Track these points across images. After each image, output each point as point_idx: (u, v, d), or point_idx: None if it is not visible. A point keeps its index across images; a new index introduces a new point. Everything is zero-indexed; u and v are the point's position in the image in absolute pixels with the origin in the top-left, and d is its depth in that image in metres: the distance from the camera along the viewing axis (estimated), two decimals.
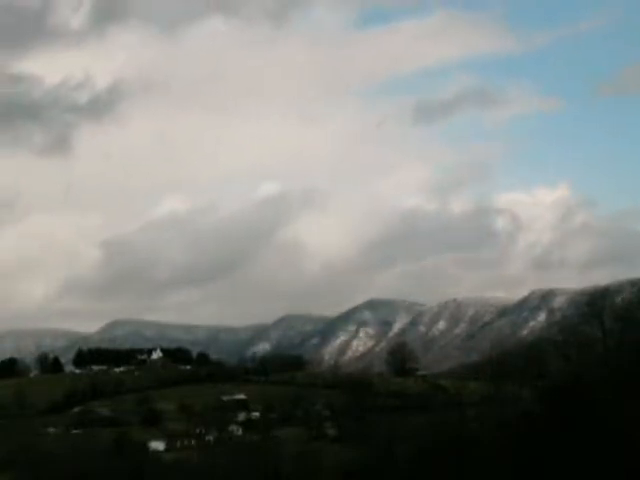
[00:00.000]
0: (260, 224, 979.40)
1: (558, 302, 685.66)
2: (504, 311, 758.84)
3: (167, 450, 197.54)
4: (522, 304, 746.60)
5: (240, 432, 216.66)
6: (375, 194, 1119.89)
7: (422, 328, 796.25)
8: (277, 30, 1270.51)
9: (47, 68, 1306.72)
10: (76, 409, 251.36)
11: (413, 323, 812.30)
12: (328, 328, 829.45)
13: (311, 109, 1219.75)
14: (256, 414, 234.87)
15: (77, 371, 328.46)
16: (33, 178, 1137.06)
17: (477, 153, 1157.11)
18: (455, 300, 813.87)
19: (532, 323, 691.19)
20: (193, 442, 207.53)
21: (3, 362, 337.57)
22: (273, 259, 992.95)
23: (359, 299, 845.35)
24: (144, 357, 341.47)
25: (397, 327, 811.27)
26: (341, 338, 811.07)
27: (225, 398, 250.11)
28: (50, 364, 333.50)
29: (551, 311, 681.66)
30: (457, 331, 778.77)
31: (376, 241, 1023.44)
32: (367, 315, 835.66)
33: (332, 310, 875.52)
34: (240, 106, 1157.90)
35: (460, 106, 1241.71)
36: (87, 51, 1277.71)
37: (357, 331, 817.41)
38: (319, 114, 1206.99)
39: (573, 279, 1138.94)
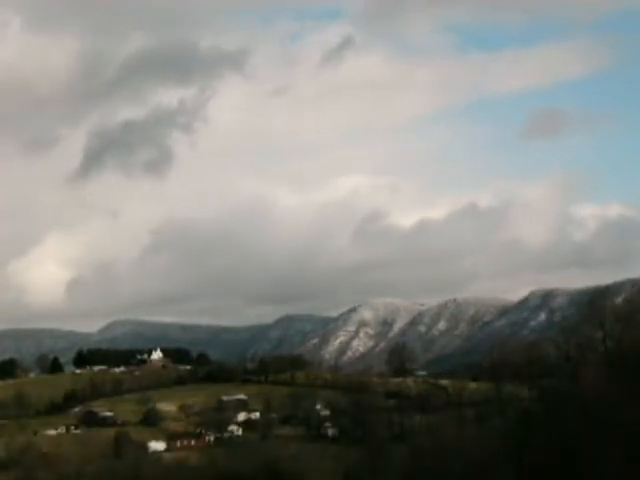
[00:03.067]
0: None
1: (558, 302, 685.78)
2: (504, 311, 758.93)
3: (167, 450, 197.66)
4: (522, 304, 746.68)
5: (240, 432, 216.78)
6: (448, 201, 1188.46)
7: (422, 328, 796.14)
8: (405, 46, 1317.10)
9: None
10: (76, 409, 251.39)
11: (413, 323, 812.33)
12: (328, 328, 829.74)
13: (425, 121, 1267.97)
14: (256, 414, 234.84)
15: (77, 371, 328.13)
16: None
17: (571, 169, 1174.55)
18: (455, 300, 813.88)
19: (532, 323, 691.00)
20: (193, 442, 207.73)
21: (3, 362, 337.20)
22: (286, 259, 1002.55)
23: (359, 299, 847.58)
24: (144, 357, 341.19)
25: (397, 327, 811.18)
26: (341, 338, 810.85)
27: (225, 398, 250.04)
28: (50, 364, 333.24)
29: (551, 311, 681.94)
30: (457, 331, 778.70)
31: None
32: (367, 315, 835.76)
33: (332, 310, 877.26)
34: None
35: (564, 125, 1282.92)
36: None
37: (357, 331, 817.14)
38: (432, 126, 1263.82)
39: (573, 279, 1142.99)
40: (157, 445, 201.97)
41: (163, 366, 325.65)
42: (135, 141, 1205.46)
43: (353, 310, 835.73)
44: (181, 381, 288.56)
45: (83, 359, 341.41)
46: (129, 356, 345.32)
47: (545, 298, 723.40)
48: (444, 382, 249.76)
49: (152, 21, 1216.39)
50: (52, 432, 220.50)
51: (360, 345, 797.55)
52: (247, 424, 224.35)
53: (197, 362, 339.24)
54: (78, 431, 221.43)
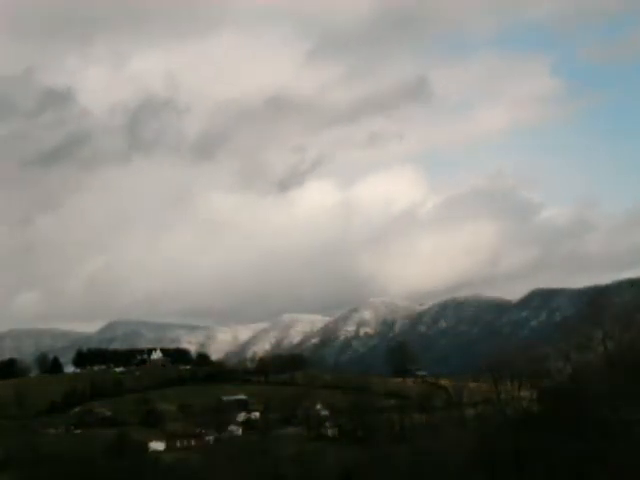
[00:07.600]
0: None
1: (558, 302, 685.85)
2: (504, 311, 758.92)
3: (167, 450, 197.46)
4: (522, 304, 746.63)
5: (240, 432, 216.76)
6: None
7: (422, 328, 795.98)
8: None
9: None
10: (76, 409, 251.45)
11: (413, 323, 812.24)
12: (328, 328, 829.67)
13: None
14: (256, 414, 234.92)
15: (77, 371, 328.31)
16: None
17: None
18: (455, 300, 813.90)
19: (532, 323, 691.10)
20: (193, 442, 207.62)
21: (3, 362, 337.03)
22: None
23: (359, 299, 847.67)
24: (144, 357, 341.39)
25: (397, 327, 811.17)
26: (341, 338, 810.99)
27: (225, 398, 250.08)
28: (50, 364, 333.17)
29: (551, 311, 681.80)
30: (457, 331, 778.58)
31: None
32: (367, 315, 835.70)
33: (332, 310, 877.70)
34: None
35: None
36: None
37: (357, 331, 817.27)
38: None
39: (573, 279, 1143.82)
40: (157, 445, 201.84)
41: (163, 366, 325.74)
42: None
43: (353, 310, 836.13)
44: (181, 381, 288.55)
45: (83, 359, 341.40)
46: (129, 356, 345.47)
47: (545, 298, 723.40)
48: (444, 382, 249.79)
49: None
50: (52, 432, 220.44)
51: (360, 345, 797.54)
52: (247, 424, 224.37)
53: (197, 362, 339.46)
54: (78, 431, 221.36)
